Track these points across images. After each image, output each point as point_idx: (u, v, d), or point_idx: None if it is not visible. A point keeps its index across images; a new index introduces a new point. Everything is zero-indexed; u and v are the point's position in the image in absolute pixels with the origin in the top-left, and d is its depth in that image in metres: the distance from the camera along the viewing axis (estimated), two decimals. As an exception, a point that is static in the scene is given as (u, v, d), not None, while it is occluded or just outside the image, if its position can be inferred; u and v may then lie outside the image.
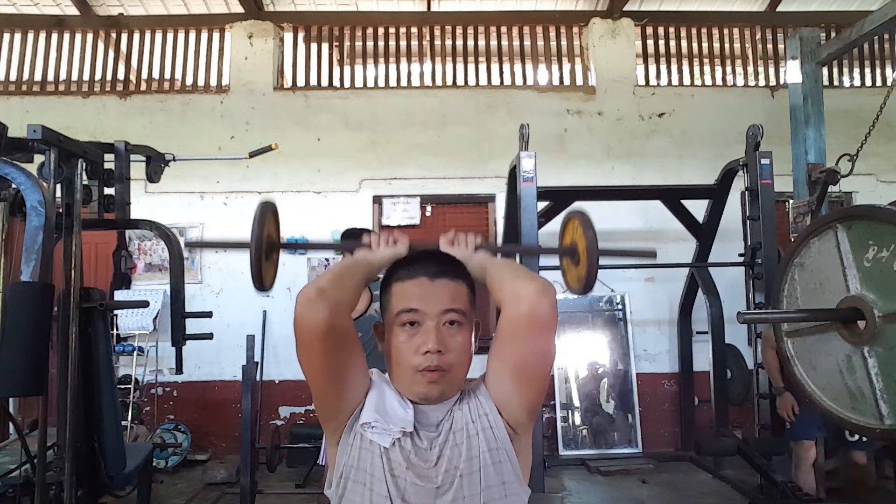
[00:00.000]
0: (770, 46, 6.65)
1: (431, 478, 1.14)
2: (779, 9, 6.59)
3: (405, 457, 1.15)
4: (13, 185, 2.45)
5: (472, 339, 1.21)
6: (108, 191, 3.22)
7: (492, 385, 1.21)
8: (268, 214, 1.38)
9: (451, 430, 1.18)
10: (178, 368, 3.40)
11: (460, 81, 6.47)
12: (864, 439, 3.71)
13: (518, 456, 1.20)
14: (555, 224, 5.16)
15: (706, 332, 4.90)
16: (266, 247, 1.36)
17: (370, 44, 6.62)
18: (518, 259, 3.40)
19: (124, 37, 6.44)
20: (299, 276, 5.70)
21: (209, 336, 3.58)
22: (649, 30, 6.58)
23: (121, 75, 6.46)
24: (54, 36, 6.39)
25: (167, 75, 6.42)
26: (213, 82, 6.40)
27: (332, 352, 1.14)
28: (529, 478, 1.24)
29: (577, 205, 1.48)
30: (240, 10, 6.29)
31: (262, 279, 1.37)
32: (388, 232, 1.35)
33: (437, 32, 6.59)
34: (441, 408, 1.20)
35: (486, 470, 1.15)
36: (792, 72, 5.18)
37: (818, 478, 4.36)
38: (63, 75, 6.37)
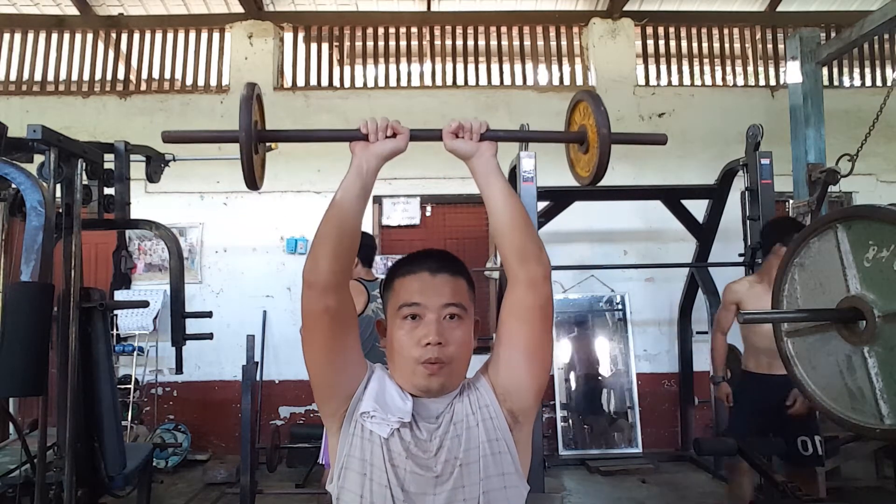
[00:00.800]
0: (770, 46, 6.65)
1: (431, 467, 1.16)
2: (779, 9, 6.59)
3: (405, 447, 1.17)
4: (13, 185, 2.45)
5: (472, 334, 1.23)
6: (108, 191, 3.23)
7: (502, 372, 1.23)
8: (252, 100, 1.29)
9: (451, 422, 1.20)
10: (178, 368, 3.41)
11: (460, 81, 6.47)
12: (822, 454, 3.57)
13: (517, 447, 1.22)
14: (555, 224, 5.19)
15: (706, 332, 4.89)
16: (255, 137, 1.24)
17: (370, 44, 6.62)
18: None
19: (124, 37, 6.44)
20: (299, 276, 5.68)
21: (209, 336, 3.59)
22: (649, 30, 6.58)
23: (121, 75, 6.46)
24: (54, 36, 6.39)
25: (167, 75, 6.42)
26: (213, 82, 6.40)
27: (332, 327, 1.17)
28: (529, 477, 1.26)
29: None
30: (240, 10, 6.29)
31: (254, 175, 1.30)
32: (385, 120, 1.24)
33: (437, 32, 6.59)
34: (441, 401, 1.22)
35: (486, 460, 1.17)
36: (792, 72, 5.18)
37: (818, 478, 4.35)
38: (63, 75, 6.37)
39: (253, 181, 1.29)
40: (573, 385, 5.82)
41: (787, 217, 4.15)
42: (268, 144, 4.01)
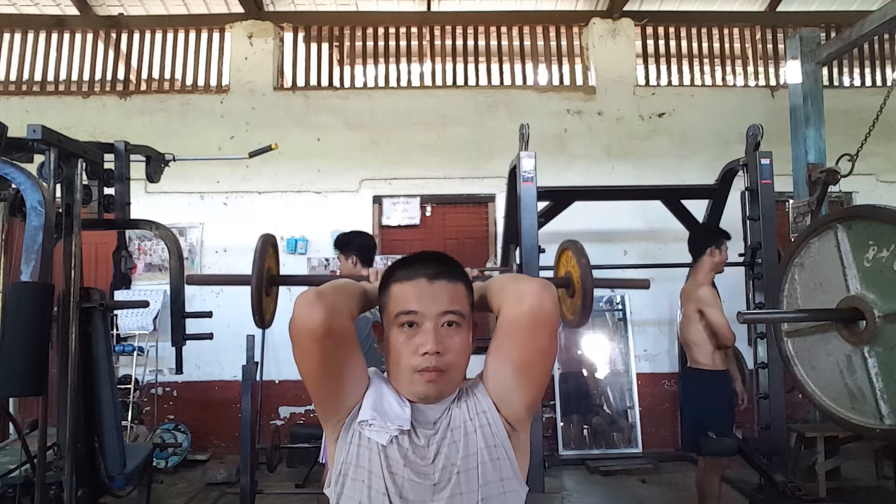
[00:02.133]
0: (770, 46, 6.65)
1: (429, 475, 1.15)
2: (779, 9, 6.60)
3: (403, 454, 1.16)
4: (13, 185, 2.45)
5: (471, 338, 1.22)
6: (108, 191, 3.22)
7: (491, 381, 1.22)
8: (268, 248, 1.38)
9: (448, 428, 1.19)
10: (178, 368, 3.40)
11: (460, 81, 6.47)
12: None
13: (516, 452, 1.20)
14: (555, 224, 5.19)
15: (706, 332, 4.89)
16: (266, 282, 1.37)
17: (370, 44, 6.62)
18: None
19: (124, 37, 6.44)
20: (299, 276, 5.71)
21: (209, 336, 3.58)
22: (649, 30, 6.58)
23: (121, 75, 6.46)
24: (54, 36, 6.39)
25: (167, 75, 6.42)
26: (213, 82, 6.40)
27: (330, 353, 1.15)
28: (528, 478, 1.25)
29: (571, 242, 1.49)
30: (240, 10, 6.29)
31: (263, 314, 1.38)
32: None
33: (437, 32, 6.59)
34: (439, 406, 1.21)
35: (484, 467, 1.16)
36: (792, 72, 5.18)
37: (818, 478, 4.36)
38: (63, 75, 6.36)
39: (262, 320, 1.42)
40: (573, 385, 5.82)
41: (715, 224, 4.34)
42: (269, 145, 4.01)
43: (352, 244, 3.63)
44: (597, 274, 1.34)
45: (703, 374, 3.70)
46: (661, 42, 6.60)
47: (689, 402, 3.93)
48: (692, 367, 3.80)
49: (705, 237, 3.93)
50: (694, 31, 6.61)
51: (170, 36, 6.45)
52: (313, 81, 6.45)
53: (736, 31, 6.66)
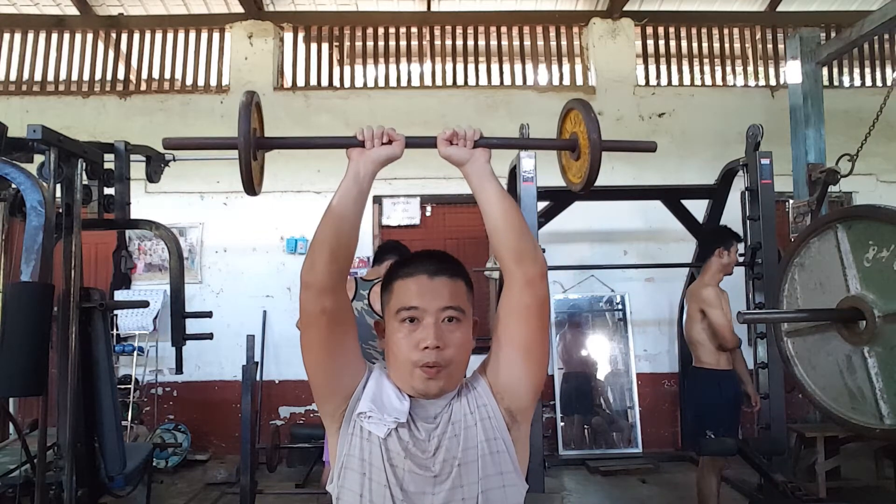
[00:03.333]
0: (770, 46, 6.65)
1: (429, 467, 1.17)
2: (779, 9, 6.60)
3: (403, 447, 1.17)
4: (13, 185, 2.45)
5: (471, 335, 1.24)
6: (108, 191, 3.22)
7: (500, 370, 1.24)
8: (252, 107, 1.28)
9: (449, 422, 1.20)
10: (178, 368, 3.40)
11: (460, 81, 6.47)
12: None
13: (516, 446, 1.22)
14: (555, 224, 5.19)
15: (706, 332, 4.89)
16: (253, 144, 1.25)
17: (370, 44, 6.62)
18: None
19: (124, 37, 6.44)
20: (300, 277, 5.69)
21: (209, 336, 3.59)
22: (649, 30, 6.58)
23: (121, 75, 6.46)
24: (54, 36, 6.39)
25: (167, 75, 6.42)
26: (213, 82, 6.40)
27: (330, 329, 1.18)
28: (528, 478, 1.26)
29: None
30: (240, 10, 6.29)
31: (252, 181, 1.30)
32: (381, 128, 1.25)
33: (437, 32, 6.59)
34: (439, 402, 1.22)
35: (484, 459, 1.18)
36: (792, 72, 5.18)
37: (818, 478, 4.36)
38: (63, 75, 6.36)
39: (251, 187, 1.30)
40: (573, 385, 5.82)
41: (725, 226, 4.34)
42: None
43: (383, 251, 3.66)
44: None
45: (707, 374, 3.70)
46: (661, 42, 6.60)
47: (693, 402, 3.93)
48: (697, 366, 3.81)
49: (714, 238, 3.94)
50: (694, 31, 6.61)
51: (170, 36, 6.45)
52: (313, 81, 6.44)
53: (736, 31, 6.66)
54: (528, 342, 1.22)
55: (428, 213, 6.20)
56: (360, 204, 1.22)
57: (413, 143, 1.28)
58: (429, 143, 1.29)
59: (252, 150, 1.25)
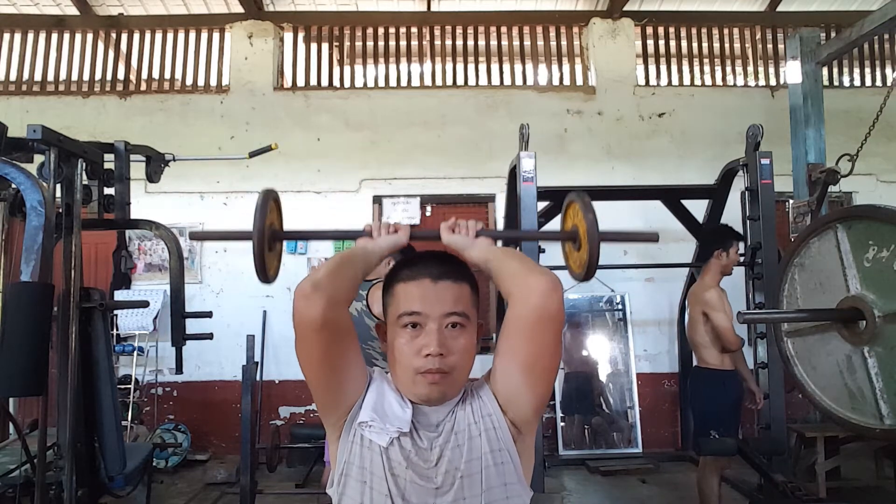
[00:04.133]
0: (770, 46, 6.65)
1: (431, 478, 1.14)
2: (779, 9, 6.60)
3: (405, 456, 1.15)
4: (13, 185, 2.45)
5: (475, 341, 1.21)
6: (108, 191, 3.22)
7: (499, 382, 1.20)
8: (270, 203, 1.36)
9: (452, 431, 1.17)
10: (178, 368, 3.40)
11: (460, 81, 6.47)
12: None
13: (521, 456, 1.19)
14: (555, 224, 5.18)
15: (706, 332, 4.89)
16: (269, 237, 1.34)
17: (370, 44, 6.62)
18: (518, 247, 3.42)
19: (124, 37, 6.44)
20: (299, 277, 5.58)
21: (209, 336, 3.58)
22: (649, 30, 6.58)
23: (121, 75, 6.46)
24: (54, 36, 6.39)
25: (167, 75, 6.42)
26: (213, 82, 6.40)
27: (329, 345, 1.14)
28: (531, 478, 1.24)
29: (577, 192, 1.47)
30: (240, 10, 6.29)
31: (266, 271, 1.35)
32: (387, 223, 1.33)
33: (437, 32, 6.59)
34: (442, 409, 1.19)
35: (488, 471, 1.15)
36: (792, 72, 5.18)
37: (818, 478, 4.36)
38: (63, 75, 6.36)
39: (265, 276, 1.36)
40: (573, 385, 5.82)
41: (725, 225, 4.30)
42: (269, 145, 4.00)
43: None
44: (602, 230, 1.34)
45: (710, 374, 3.70)
46: (661, 42, 6.60)
47: (697, 402, 3.92)
48: (700, 366, 3.81)
49: (713, 238, 3.93)
50: (694, 31, 6.61)
51: (170, 36, 6.45)
52: (313, 81, 6.44)
53: (736, 31, 6.66)
54: (530, 359, 1.16)
55: (428, 213, 6.20)
56: (363, 273, 1.26)
57: (417, 235, 1.37)
58: (433, 235, 1.36)
59: (266, 242, 1.34)
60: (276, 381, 5.95)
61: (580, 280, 1.45)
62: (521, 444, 1.20)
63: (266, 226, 1.32)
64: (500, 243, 1.33)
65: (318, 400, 1.22)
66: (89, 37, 6.42)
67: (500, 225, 5.61)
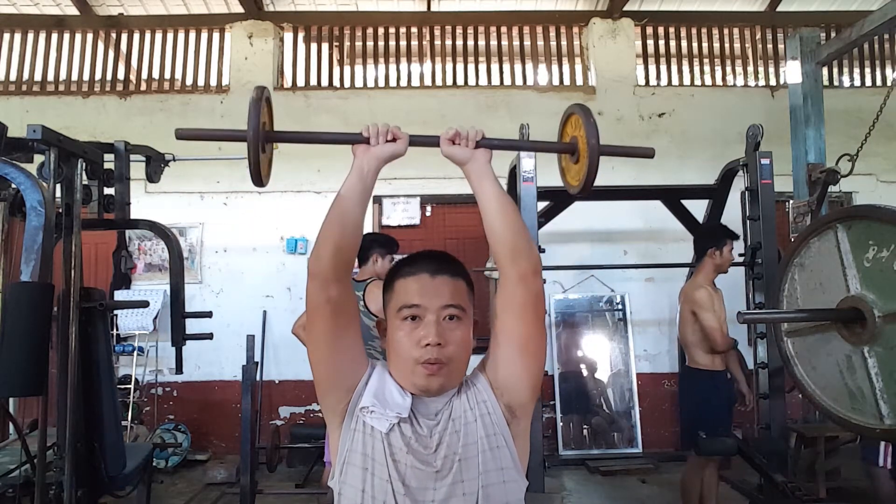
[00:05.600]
0: (770, 46, 6.65)
1: (431, 462, 1.18)
2: (779, 9, 6.59)
3: (406, 442, 1.19)
4: (13, 185, 2.45)
5: (471, 334, 1.26)
6: (108, 191, 3.22)
7: (499, 367, 1.25)
8: (262, 102, 1.34)
9: (450, 418, 1.22)
10: (178, 368, 3.40)
11: (460, 81, 6.47)
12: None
13: (515, 442, 1.24)
14: (555, 224, 5.18)
15: (706, 332, 4.88)
16: (262, 137, 1.32)
17: (370, 44, 6.62)
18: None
19: (124, 37, 6.44)
20: (300, 277, 5.70)
21: (209, 336, 3.58)
22: (649, 30, 6.58)
23: (121, 75, 6.46)
24: (54, 36, 6.39)
25: (167, 75, 6.42)
26: (213, 82, 6.40)
27: (334, 317, 1.20)
28: (528, 477, 1.27)
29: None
30: (240, 10, 6.29)
31: (260, 173, 1.35)
32: (386, 125, 1.29)
33: (437, 32, 6.59)
34: (440, 399, 1.24)
35: (484, 455, 1.20)
36: (792, 72, 5.18)
37: (818, 478, 4.36)
38: (63, 75, 6.36)
39: (259, 178, 1.36)
40: (573, 385, 5.82)
41: (719, 224, 4.30)
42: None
43: (364, 249, 3.65)
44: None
45: (700, 374, 3.71)
46: (661, 42, 6.60)
47: (686, 401, 3.93)
48: (690, 366, 3.81)
49: (708, 237, 3.92)
50: (694, 31, 6.61)
51: (170, 36, 6.45)
52: (313, 81, 6.44)
53: (736, 31, 6.66)
54: (524, 338, 1.24)
55: (428, 213, 6.20)
56: (364, 199, 1.25)
57: (416, 141, 1.32)
58: (432, 141, 1.32)
59: (260, 143, 1.31)
60: (276, 381, 5.95)
61: (575, 192, 1.45)
62: (516, 429, 1.25)
63: (260, 124, 1.30)
64: (502, 188, 1.27)
65: (320, 382, 1.26)
66: (89, 37, 6.42)
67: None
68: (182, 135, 1.40)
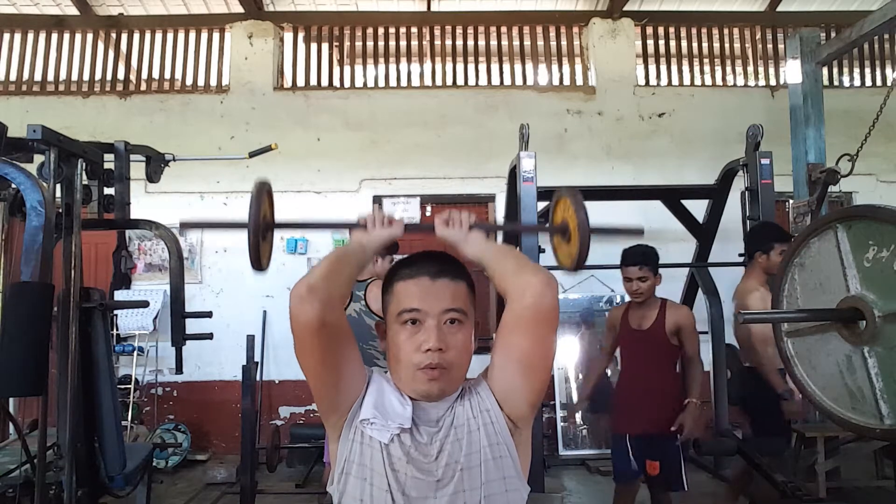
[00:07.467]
0: (770, 46, 6.65)
1: (432, 471, 1.16)
2: (779, 9, 6.60)
3: (405, 451, 1.16)
4: (13, 185, 2.45)
5: (473, 338, 1.23)
6: (108, 191, 3.22)
7: (496, 378, 1.23)
8: (263, 194, 1.40)
9: (452, 426, 1.19)
10: (178, 368, 3.40)
11: (460, 81, 6.47)
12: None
13: (518, 451, 1.22)
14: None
15: (706, 332, 4.87)
16: (262, 227, 1.38)
17: (370, 44, 6.62)
18: (518, 245, 3.42)
19: (124, 37, 6.44)
20: (299, 277, 5.69)
21: (209, 336, 3.58)
22: (649, 30, 6.58)
23: (121, 75, 6.47)
24: (54, 36, 6.39)
25: (167, 75, 6.42)
26: (213, 82, 6.41)
27: (327, 346, 1.16)
28: (529, 478, 1.26)
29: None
30: (240, 10, 6.29)
31: (260, 259, 1.38)
32: (382, 214, 1.35)
33: (437, 32, 6.59)
34: (441, 405, 1.21)
35: (487, 464, 1.17)
36: (792, 72, 5.18)
37: (818, 478, 4.35)
38: (63, 75, 6.37)
39: (259, 264, 1.42)
40: (573, 385, 5.82)
41: (771, 225, 4.17)
42: (269, 145, 4.01)
43: None
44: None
45: (756, 373, 3.61)
46: (661, 42, 6.60)
47: (741, 401, 3.87)
48: (746, 365, 3.74)
49: (755, 240, 3.78)
50: (694, 31, 6.61)
51: (170, 36, 6.45)
52: (313, 81, 6.45)
53: (736, 31, 6.66)
54: (524, 355, 1.19)
55: (428, 213, 6.20)
56: (361, 266, 1.29)
57: (411, 228, 1.38)
58: (426, 228, 1.38)
59: (260, 233, 1.38)
60: (276, 381, 5.95)
61: (569, 271, 1.50)
62: (519, 438, 1.22)
63: (261, 216, 1.36)
64: (500, 239, 1.33)
65: (319, 401, 1.23)
66: (89, 37, 6.42)
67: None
68: (186, 225, 1.52)
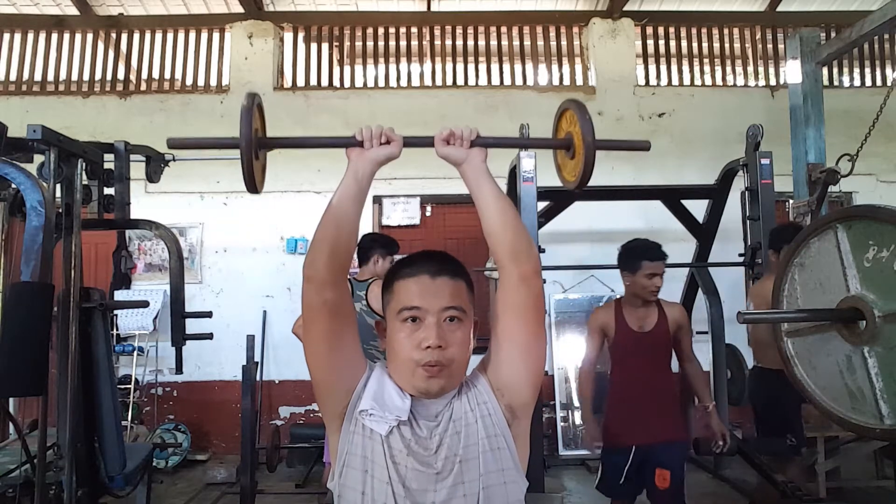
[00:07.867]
0: (770, 46, 6.65)
1: (431, 464, 1.18)
2: (779, 9, 6.60)
3: (405, 444, 1.19)
4: (13, 185, 2.45)
5: (472, 336, 1.25)
6: (108, 191, 3.23)
7: (502, 368, 1.25)
8: (253, 108, 1.30)
9: (450, 420, 1.22)
10: (178, 368, 3.41)
11: (460, 81, 6.47)
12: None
13: (516, 442, 1.24)
14: (555, 224, 5.19)
15: (706, 332, 4.89)
16: (255, 144, 1.29)
17: (370, 44, 6.62)
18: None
19: (124, 37, 6.44)
20: (299, 277, 5.65)
21: (209, 336, 3.58)
22: (649, 30, 6.58)
23: (121, 75, 6.46)
24: (54, 36, 6.39)
25: (167, 75, 6.42)
26: (213, 82, 6.40)
27: (331, 321, 1.20)
28: (528, 477, 1.27)
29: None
30: (240, 10, 6.29)
31: (254, 179, 1.32)
32: (380, 128, 1.27)
33: (437, 32, 6.59)
34: (440, 401, 1.23)
35: (485, 456, 1.19)
36: (792, 72, 5.18)
37: (818, 478, 4.35)
38: (63, 75, 6.36)
39: (253, 185, 1.33)
40: (573, 385, 5.82)
41: (787, 225, 4.12)
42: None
43: (364, 250, 3.64)
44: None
45: (770, 374, 3.54)
46: (661, 42, 6.60)
47: (757, 402, 3.85)
48: (760, 366, 3.72)
49: (774, 241, 3.74)
50: (694, 31, 6.61)
51: (170, 36, 6.45)
52: (313, 81, 6.44)
53: (736, 31, 6.66)
54: (525, 338, 1.24)
55: (428, 213, 6.20)
56: (359, 202, 1.25)
57: (411, 142, 1.31)
58: (426, 142, 1.31)
59: (253, 150, 1.28)
60: (276, 381, 5.95)
61: (572, 187, 1.45)
62: (517, 429, 1.25)
63: (252, 131, 1.27)
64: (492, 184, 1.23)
65: (319, 385, 1.25)
66: (89, 37, 6.42)
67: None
68: (174, 143, 1.36)
